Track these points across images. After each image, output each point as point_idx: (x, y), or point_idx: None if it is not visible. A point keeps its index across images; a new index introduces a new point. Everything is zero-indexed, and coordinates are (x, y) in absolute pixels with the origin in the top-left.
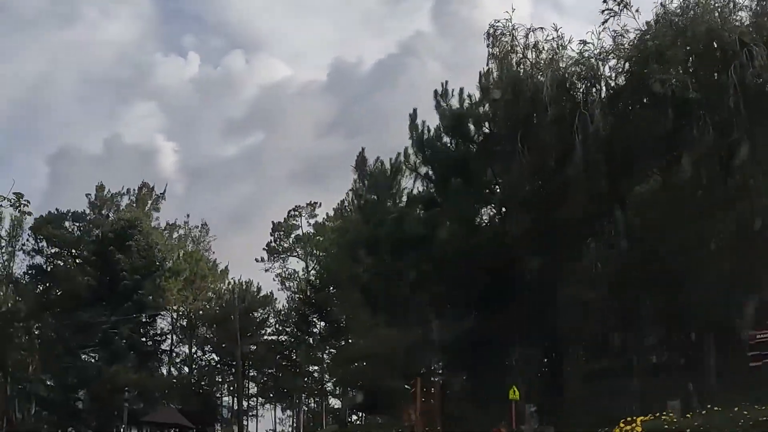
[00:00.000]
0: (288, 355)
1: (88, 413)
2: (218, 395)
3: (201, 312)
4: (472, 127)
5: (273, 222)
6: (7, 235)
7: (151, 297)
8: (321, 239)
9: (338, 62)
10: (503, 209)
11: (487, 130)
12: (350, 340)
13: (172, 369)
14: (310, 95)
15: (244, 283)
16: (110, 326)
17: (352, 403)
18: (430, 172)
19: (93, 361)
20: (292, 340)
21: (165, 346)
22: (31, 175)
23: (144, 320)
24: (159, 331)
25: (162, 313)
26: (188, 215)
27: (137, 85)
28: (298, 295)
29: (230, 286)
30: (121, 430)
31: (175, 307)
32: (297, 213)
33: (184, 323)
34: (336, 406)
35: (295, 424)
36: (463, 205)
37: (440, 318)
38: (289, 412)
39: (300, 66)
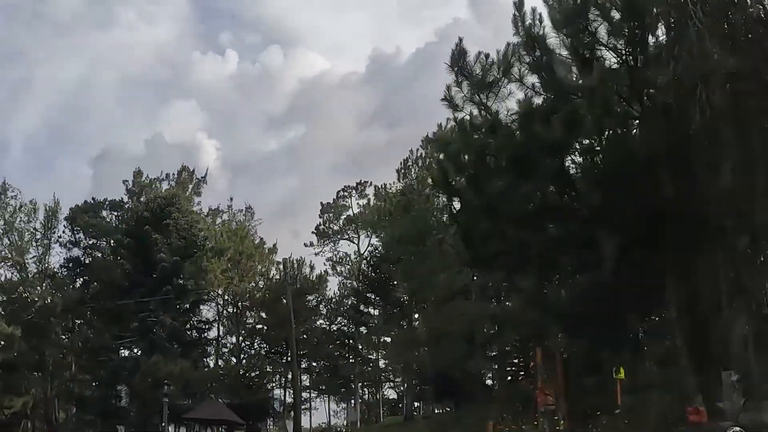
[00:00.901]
0: (342, 343)
1: (128, 411)
2: (269, 387)
3: (248, 295)
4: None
5: (322, 203)
6: (41, 227)
7: (192, 280)
8: (384, 204)
9: (376, 53)
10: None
11: None
12: (417, 319)
13: (219, 360)
14: (350, 87)
15: (295, 261)
16: (149, 314)
17: (416, 393)
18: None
19: (132, 353)
20: (348, 326)
21: (210, 335)
22: (74, 178)
23: (186, 307)
24: (203, 319)
25: (205, 298)
26: (231, 198)
27: (177, 85)
28: (350, 282)
29: (281, 263)
30: (161, 427)
31: (219, 291)
32: (346, 194)
33: (230, 309)
34: (391, 397)
35: (349, 417)
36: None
37: (569, 267)
38: (343, 405)
39: (338, 59)
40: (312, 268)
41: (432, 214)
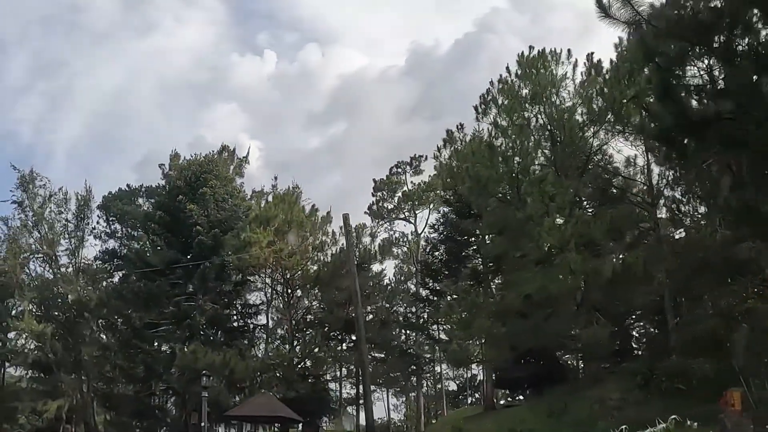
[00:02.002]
0: (409, 324)
1: (166, 411)
2: (326, 378)
3: (300, 272)
4: None
5: (374, 180)
6: (74, 217)
7: (235, 256)
8: (463, 146)
9: (415, 46)
10: None
11: None
12: (504, 286)
13: (268, 348)
14: (390, 81)
15: (356, 227)
16: (186, 298)
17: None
18: None
19: (168, 344)
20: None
21: (258, 321)
22: (118, 183)
23: (228, 289)
24: (248, 302)
25: (250, 278)
26: (275, 178)
27: (216, 88)
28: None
29: (343, 219)
30: (201, 427)
31: (266, 268)
32: (400, 170)
33: (280, 288)
34: (450, 388)
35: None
36: None
37: None
38: (402, 398)
39: (376, 54)
40: (374, 236)
41: (527, 148)
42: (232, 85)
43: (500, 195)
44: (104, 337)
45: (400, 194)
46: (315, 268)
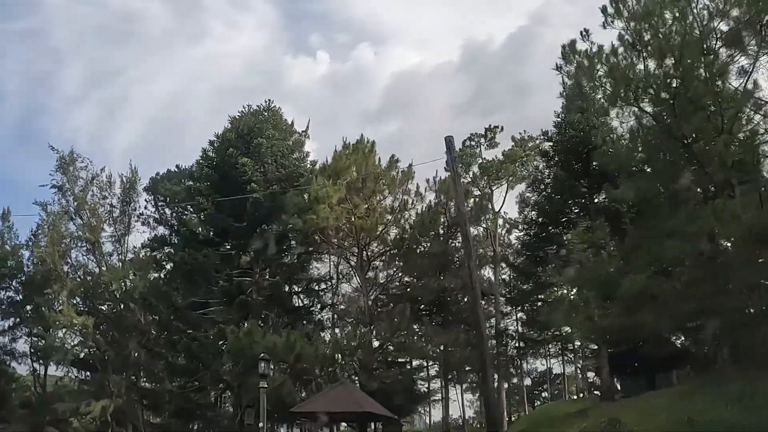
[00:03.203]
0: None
1: (212, 407)
2: (412, 365)
3: (379, 236)
4: None
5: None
6: (119, 201)
7: (298, 219)
8: None
9: (468, 42)
10: None
11: None
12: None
13: (342, 330)
14: (443, 78)
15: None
16: (238, 272)
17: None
18: None
19: (215, 328)
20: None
21: (327, 298)
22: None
23: (291, 260)
24: (315, 274)
25: (313, 249)
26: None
27: (270, 90)
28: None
29: (446, 143)
30: (261, 427)
31: (338, 232)
32: (474, 143)
33: (354, 258)
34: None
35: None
36: None
37: None
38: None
39: (429, 51)
40: (468, 192)
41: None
42: (285, 87)
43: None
44: (153, 332)
45: (475, 168)
46: (396, 230)
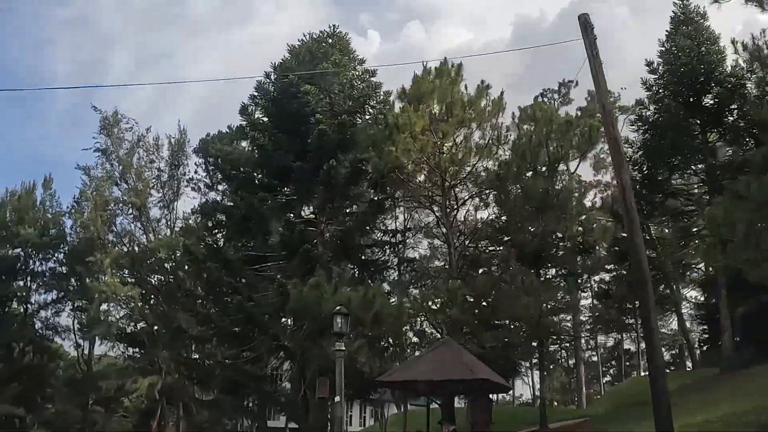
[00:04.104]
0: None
1: (270, 379)
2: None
3: (469, 175)
4: None
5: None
6: (167, 165)
7: (373, 153)
8: None
9: (519, 19)
10: None
11: None
12: None
13: (423, 285)
14: (495, 55)
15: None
16: (301, 219)
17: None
18: None
19: (274, 285)
20: None
21: (405, 251)
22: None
23: (364, 205)
24: (392, 223)
25: (394, 185)
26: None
27: None
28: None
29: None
30: (336, 401)
31: (420, 167)
32: (546, 98)
33: (439, 199)
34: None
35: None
36: None
37: None
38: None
39: (480, 29)
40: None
41: None
42: None
43: None
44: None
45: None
46: (489, 167)
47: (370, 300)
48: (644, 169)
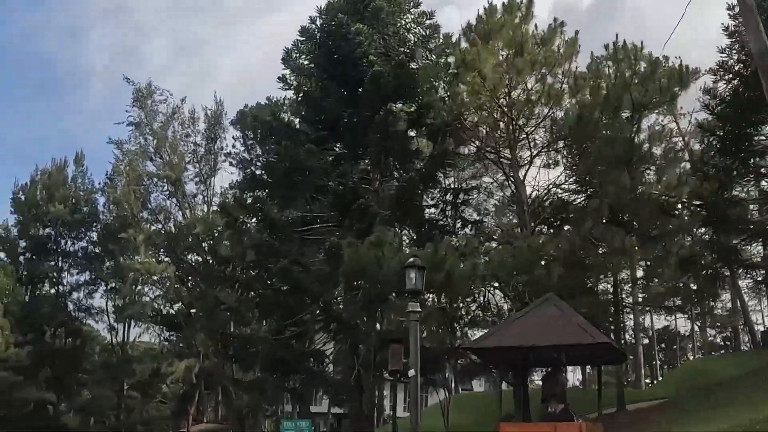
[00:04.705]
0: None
1: (315, 355)
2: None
3: (544, 121)
4: None
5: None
6: (203, 138)
7: (436, 96)
8: None
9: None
10: None
11: None
12: None
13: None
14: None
15: None
16: (353, 175)
17: None
18: None
19: (322, 250)
20: None
21: (469, 212)
22: None
23: (424, 159)
24: (455, 180)
25: (460, 129)
26: None
27: None
28: None
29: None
30: (409, 375)
31: (488, 112)
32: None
33: (506, 153)
34: None
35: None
36: None
37: None
38: None
39: None
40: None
41: None
42: None
43: None
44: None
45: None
46: (563, 113)
47: (441, 259)
48: (728, 125)
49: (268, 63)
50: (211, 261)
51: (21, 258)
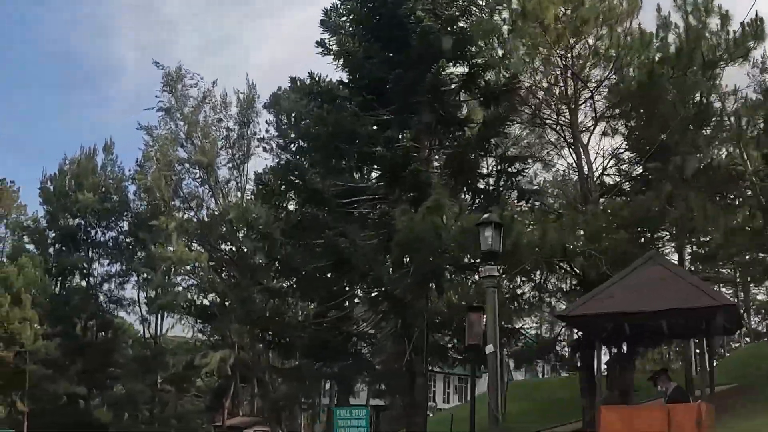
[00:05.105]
0: None
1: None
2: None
3: (603, 78)
4: None
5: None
6: (236, 123)
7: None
8: None
9: None
10: None
11: None
12: None
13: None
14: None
15: None
16: (401, 141)
17: None
18: None
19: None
20: None
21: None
22: None
23: (477, 124)
24: (510, 147)
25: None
26: None
27: None
28: None
29: None
30: (489, 353)
31: (549, 71)
32: None
33: (564, 121)
34: None
35: None
36: None
37: None
38: None
39: None
40: None
41: None
42: None
43: None
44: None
45: None
46: (628, 73)
47: (508, 225)
48: None
49: (299, 55)
50: (245, 249)
51: (50, 250)
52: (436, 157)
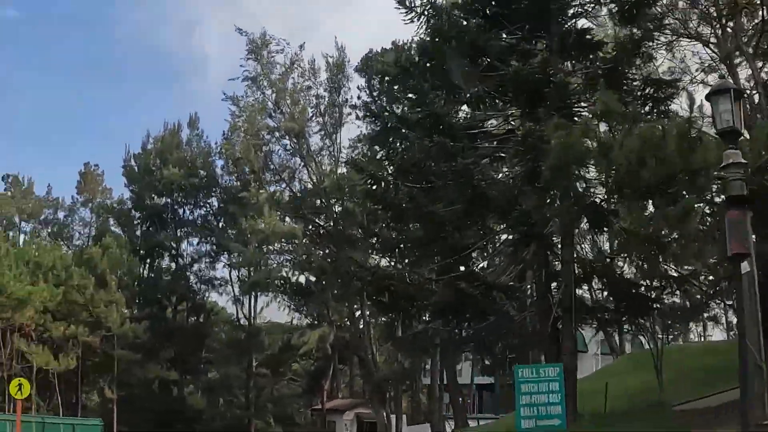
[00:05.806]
0: None
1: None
2: None
3: None
4: None
5: None
6: (326, 90)
7: None
8: None
9: None
10: None
11: None
12: None
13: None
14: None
15: None
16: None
17: None
18: None
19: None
20: None
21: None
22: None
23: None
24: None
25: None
26: None
27: None
28: None
29: None
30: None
31: None
32: None
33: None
34: None
35: None
36: None
37: None
38: None
39: None
40: None
41: None
42: None
43: None
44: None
45: None
46: None
47: (686, 134)
48: None
49: (384, 40)
50: (341, 221)
51: (137, 231)
52: (573, 79)
